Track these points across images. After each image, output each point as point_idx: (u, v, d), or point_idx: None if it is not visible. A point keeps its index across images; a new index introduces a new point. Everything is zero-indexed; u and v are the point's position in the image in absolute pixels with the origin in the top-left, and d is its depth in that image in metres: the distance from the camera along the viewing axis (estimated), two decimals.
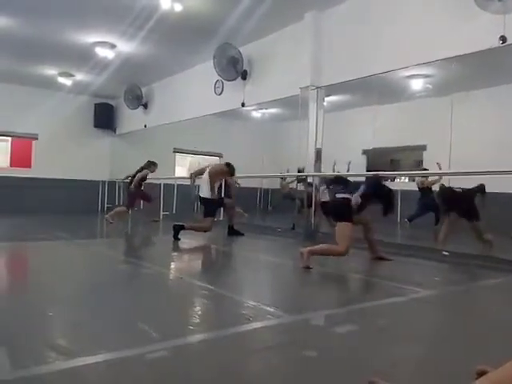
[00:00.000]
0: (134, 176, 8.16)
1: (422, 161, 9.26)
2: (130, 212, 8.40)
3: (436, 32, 4.72)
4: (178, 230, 5.64)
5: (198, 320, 2.38)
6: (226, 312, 2.48)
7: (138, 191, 8.17)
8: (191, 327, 2.20)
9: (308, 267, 3.70)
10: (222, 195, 6.77)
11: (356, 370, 1.65)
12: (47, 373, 1.53)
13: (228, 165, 6.17)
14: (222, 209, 6.82)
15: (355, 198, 3.87)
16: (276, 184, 10.64)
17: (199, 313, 2.56)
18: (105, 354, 1.70)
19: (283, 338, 2.05)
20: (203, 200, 5.93)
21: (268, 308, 2.48)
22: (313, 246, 3.91)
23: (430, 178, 7.38)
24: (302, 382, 1.54)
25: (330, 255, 3.97)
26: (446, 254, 4.57)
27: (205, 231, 5.88)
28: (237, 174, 6.41)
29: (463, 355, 1.83)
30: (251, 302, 2.65)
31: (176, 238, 5.60)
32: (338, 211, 3.93)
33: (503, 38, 4.12)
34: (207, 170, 6.03)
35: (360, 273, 4.06)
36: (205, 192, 5.87)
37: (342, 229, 3.77)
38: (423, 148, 9.17)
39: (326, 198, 6.22)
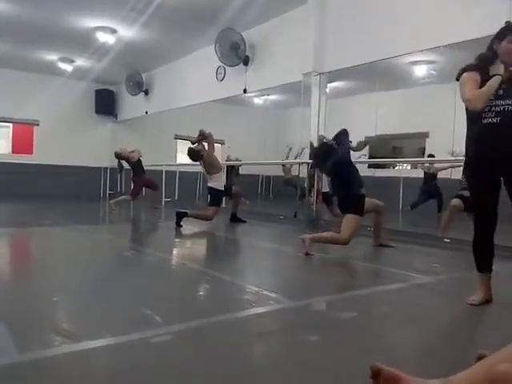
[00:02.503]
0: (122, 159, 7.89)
1: (424, 148, 9.23)
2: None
3: (441, 17, 4.66)
4: (181, 216, 5.65)
5: (201, 305, 2.41)
6: (229, 297, 2.50)
7: (144, 178, 7.87)
8: (194, 312, 2.22)
9: (308, 254, 3.72)
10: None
11: (358, 355, 1.67)
12: (53, 356, 1.56)
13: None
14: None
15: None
16: (278, 171, 10.63)
17: (202, 298, 2.59)
18: (110, 338, 1.72)
19: (285, 323, 2.07)
20: (210, 189, 5.92)
21: (270, 293, 2.50)
22: (314, 234, 3.92)
23: (437, 165, 7.33)
24: (304, 367, 1.56)
25: (331, 244, 3.96)
26: (448, 240, 4.59)
27: (207, 220, 5.87)
28: (238, 162, 6.36)
29: (464, 340, 1.85)
30: (253, 287, 2.67)
31: (179, 225, 5.62)
32: (348, 204, 3.82)
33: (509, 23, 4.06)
34: (203, 166, 5.93)
35: (361, 259, 4.08)
36: (212, 182, 5.87)
37: (350, 221, 3.74)
38: (426, 135, 9.13)
39: (326, 188, 6.21)
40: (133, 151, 7.79)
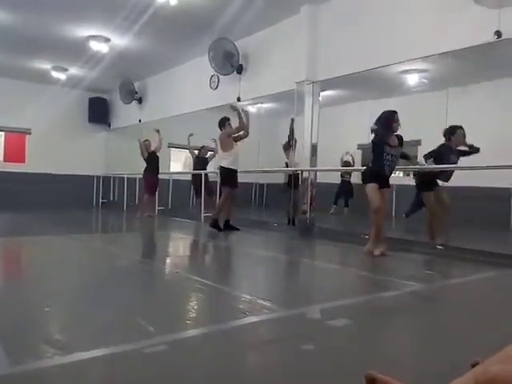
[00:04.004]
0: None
1: (416, 156, 9.29)
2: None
3: (432, 27, 4.73)
4: (216, 225, 6.00)
5: (194, 314, 2.39)
6: (223, 306, 2.49)
7: (149, 178, 8.30)
8: (188, 321, 2.21)
9: (384, 254, 4.19)
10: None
11: (353, 364, 1.66)
12: (45, 367, 1.54)
13: (222, 124, 6.18)
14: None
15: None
16: (271, 179, 10.63)
17: (196, 307, 2.57)
18: (103, 348, 1.70)
19: (280, 332, 2.07)
20: (220, 169, 6.17)
21: (264, 302, 2.49)
22: (373, 242, 4.29)
23: None
24: (299, 376, 1.55)
25: (379, 220, 4.29)
26: (441, 247, 4.61)
27: (226, 203, 6.09)
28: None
29: (458, 348, 1.85)
30: (247, 296, 2.66)
31: (223, 229, 6.08)
32: (363, 176, 4.52)
33: (498, 33, 4.13)
34: (219, 142, 6.29)
35: (355, 267, 4.08)
36: (223, 161, 6.13)
37: (367, 190, 4.30)
38: (418, 143, 9.19)
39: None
40: (146, 140, 8.42)
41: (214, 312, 2.40)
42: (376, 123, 4.36)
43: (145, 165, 8.48)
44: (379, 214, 4.28)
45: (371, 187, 4.29)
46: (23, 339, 1.82)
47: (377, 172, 4.35)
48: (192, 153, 8.81)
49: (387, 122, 4.32)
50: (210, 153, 8.76)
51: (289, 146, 6.87)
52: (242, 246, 5.41)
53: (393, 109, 4.49)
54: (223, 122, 6.16)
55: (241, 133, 6.16)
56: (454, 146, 4.82)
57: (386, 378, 1.19)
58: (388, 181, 4.42)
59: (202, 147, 8.92)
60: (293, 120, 6.27)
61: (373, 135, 4.41)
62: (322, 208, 8.46)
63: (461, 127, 4.82)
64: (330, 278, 3.64)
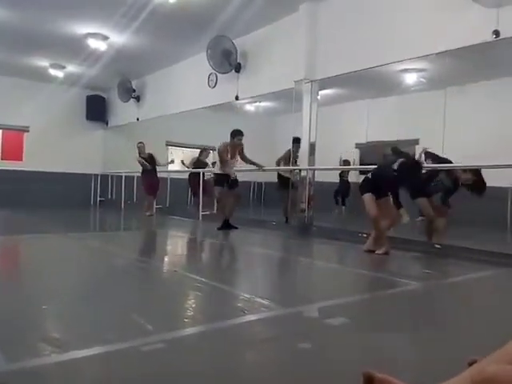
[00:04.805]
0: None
1: (414, 154, 9.30)
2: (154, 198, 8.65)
3: (431, 26, 4.72)
4: (225, 225, 6.22)
5: (192, 313, 2.39)
6: (221, 305, 2.49)
7: (145, 179, 8.43)
8: (186, 320, 2.20)
9: (387, 253, 4.25)
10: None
11: (350, 362, 1.67)
12: (42, 365, 1.53)
13: (232, 134, 6.31)
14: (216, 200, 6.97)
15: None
16: (269, 177, 10.61)
17: (194, 305, 2.57)
18: (100, 346, 1.70)
19: (278, 331, 2.06)
20: (214, 175, 6.54)
21: (262, 300, 2.49)
22: (373, 242, 4.43)
23: None
24: (296, 375, 1.55)
25: (378, 227, 4.35)
26: (439, 246, 4.61)
27: (221, 202, 6.38)
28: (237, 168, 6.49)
29: (455, 346, 1.86)
30: (246, 294, 2.66)
31: (233, 227, 6.26)
32: (360, 187, 4.62)
33: (496, 33, 4.13)
34: (216, 150, 6.63)
35: (353, 265, 4.09)
36: (216, 168, 6.50)
37: (364, 200, 4.43)
38: (416, 142, 9.21)
39: None
40: (140, 143, 8.61)
41: (212, 310, 2.39)
42: (398, 174, 4.26)
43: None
44: (377, 222, 4.33)
45: (367, 197, 4.40)
46: (20, 337, 1.82)
47: (374, 182, 4.44)
48: (192, 162, 8.91)
49: (408, 173, 4.36)
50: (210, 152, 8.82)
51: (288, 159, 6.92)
52: (241, 245, 5.41)
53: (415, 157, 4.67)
54: (234, 135, 6.27)
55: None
56: (460, 175, 4.81)
57: (383, 376, 1.19)
58: (385, 190, 4.41)
59: (203, 150, 8.91)
60: (294, 140, 6.57)
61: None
62: (325, 207, 8.46)
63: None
64: (328, 276, 3.64)
